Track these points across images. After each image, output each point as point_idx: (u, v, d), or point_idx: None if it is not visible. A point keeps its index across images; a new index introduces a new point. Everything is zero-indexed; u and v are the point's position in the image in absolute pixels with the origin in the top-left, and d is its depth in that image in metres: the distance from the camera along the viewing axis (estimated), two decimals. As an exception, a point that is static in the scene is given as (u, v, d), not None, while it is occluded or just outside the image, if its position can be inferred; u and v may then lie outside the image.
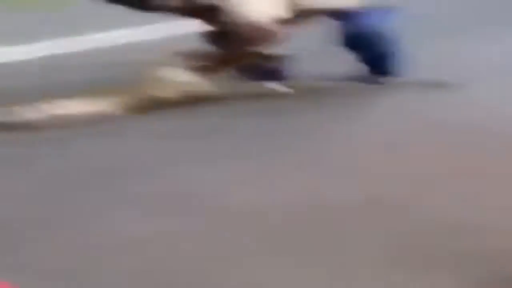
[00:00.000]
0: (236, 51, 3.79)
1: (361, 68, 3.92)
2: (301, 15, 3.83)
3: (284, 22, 3.75)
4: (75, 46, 4.88)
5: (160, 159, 3.01)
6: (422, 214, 2.41)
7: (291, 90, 3.83)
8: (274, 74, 3.96)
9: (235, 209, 2.49)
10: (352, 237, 2.26)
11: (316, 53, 4.09)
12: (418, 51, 3.87)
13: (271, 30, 3.70)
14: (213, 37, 3.85)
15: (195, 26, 3.88)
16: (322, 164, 2.91)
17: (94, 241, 2.28)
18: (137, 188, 2.69)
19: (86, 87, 3.77)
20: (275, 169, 2.85)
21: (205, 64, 3.75)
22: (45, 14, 5.58)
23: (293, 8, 3.77)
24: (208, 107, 3.63)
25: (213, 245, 2.23)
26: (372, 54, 3.86)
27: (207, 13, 3.74)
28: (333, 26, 3.90)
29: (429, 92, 3.77)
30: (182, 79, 3.69)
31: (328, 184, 2.69)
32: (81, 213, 2.49)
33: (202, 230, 2.35)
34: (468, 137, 3.13)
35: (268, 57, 3.89)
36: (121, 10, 3.77)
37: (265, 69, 3.94)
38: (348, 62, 3.91)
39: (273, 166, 2.88)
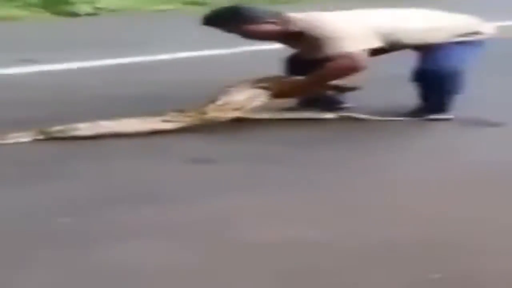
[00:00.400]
0: (321, 80, 3.73)
1: (419, 104, 3.81)
2: (388, 48, 3.76)
3: (372, 53, 3.68)
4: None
5: (188, 185, 2.87)
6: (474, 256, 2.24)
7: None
8: (332, 104, 3.93)
9: (261, 242, 2.33)
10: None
11: (382, 84, 4.03)
12: (480, 87, 3.80)
13: (362, 63, 3.61)
14: (299, 64, 3.84)
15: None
16: (354, 199, 2.74)
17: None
18: (156, 215, 2.55)
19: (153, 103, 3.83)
20: (304, 203, 2.69)
21: (277, 89, 3.69)
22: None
23: (383, 40, 3.68)
24: (260, 131, 3.58)
25: (224, 279, 2.10)
26: (435, 91, 3.74)
27: (302, 40, 3.71)
28: (412, 59, 3.81)
29: (475, 131, 3.66)
30: (246, 102, 3.64)
31: (361, 222, 2.52)
32: (95, 237, 2.37)
33: (214, 262, 2.21)
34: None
35: (340, 89, 3.83)
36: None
37: (325, 98, 3.91)
38: (410, 96, 3.79)
39: (302, 200, 2.71)
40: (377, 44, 3.67)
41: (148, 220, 2.51)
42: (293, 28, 3.70)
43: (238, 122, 3.64)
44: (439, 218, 2.56)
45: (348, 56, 3.61)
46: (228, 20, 3.70)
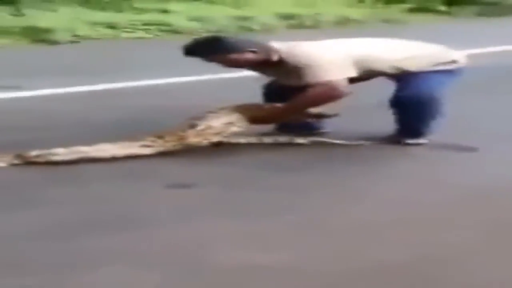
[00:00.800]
0: (299, 108, 3.71)
1: (395, 129, 3.80)
2: (366, 76, 3.75)
3: (351, 81, 3.66)
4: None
5: (164, 210, 2.82)
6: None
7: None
8: (309, 129, 3.91)
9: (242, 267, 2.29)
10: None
11: (361, 111, 4.02)
12: (457, 111, 3.81)
13: (341, 90, 3.60)
14: (277, 91, 3.82)
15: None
16: (328, 224, 2.70)
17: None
18: (132, 241, 2.50)
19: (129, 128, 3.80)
20: (279, 227, 2.65)
21: (255, 116, 3.68)
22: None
23: (361, 69, 3.67)
24: (238, 155, 3.55)
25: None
26: (410, 117, 3.73)
27: (282, 69, 3.69)
28: (389, 85, 3.81)
29: (448, 155, 3.64)
30: (225, 127, 3.62)
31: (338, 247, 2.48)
32: (69, 264, 2.31)
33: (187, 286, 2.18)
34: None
35: (318, 116, 3.81)
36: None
37: (303, 123, 3.88)
38: (385, 122, 3.78)
39: (277, 224, 2.67)
40: (355, 72, 3.67)
41: (122, 246, 2.46)
42: (273, 57, 3.69)
43: (217, 147, 3.61)
44: (412, 242, 2.54)
45: (327, 84, 3.60)
46: (209, 50, 3.69)
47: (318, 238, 2.56)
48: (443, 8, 12.29)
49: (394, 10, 11.92)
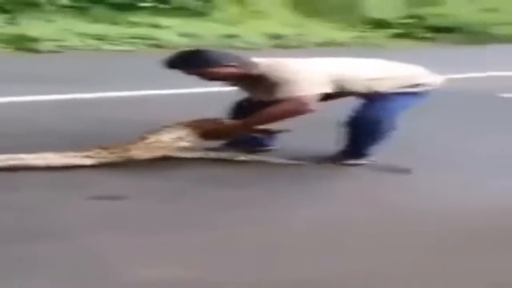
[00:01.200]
0: (263, 121, 3.60)
1: (340, 149, 3.72)
2: (338, 94, 3.67)
3: (321, 99, 3.59)
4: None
5: (83, 221, 2.73)
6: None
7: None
8: (256, 145, 3.84)
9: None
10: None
11: (314, 128, 3.91)
12: (407, 136, 3.76)
13: (310, 106, 3.52)
14: (247, 108, 3.73)
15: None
16: (250, 240, 2.63)
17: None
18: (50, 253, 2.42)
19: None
20: (197, 242, 2.58)
21: (207, 130, 3.58)
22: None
23: (336, 86, 3.60)
24: (178, 169, 3.47)
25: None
26: (359, 138, 3.66)
27: (260, 83, 3.62)
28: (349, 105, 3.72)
29: (384, 177, 3.57)
30: (173, 141, 3.51)
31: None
32: None
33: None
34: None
35: (268, 132, 3.73)
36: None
37: (251, 139, 3.79)
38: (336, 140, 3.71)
39: (196, 239, 2.60)
40: (328, 89, 3.61)
41: (34, 256, 2.39)
42: (253, 71, 3.64)
43: (160, 161, 3.52)
44: (326, 261, 2.48)
45: (297, 99, 3.53)
46: (190, 63, 3.63)
47: (232, 254, 2.50)
48: (427, 35, 12.20)
49: (380, 35, 11.86)
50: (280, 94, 3.55)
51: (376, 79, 3.69)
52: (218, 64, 3.60)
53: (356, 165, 3.69)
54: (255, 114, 3.60)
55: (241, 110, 3.83)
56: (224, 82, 3.89)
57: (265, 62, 3.68)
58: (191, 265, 2.37)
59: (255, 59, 3.70)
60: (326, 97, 3.64)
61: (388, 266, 2.46)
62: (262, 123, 3.65)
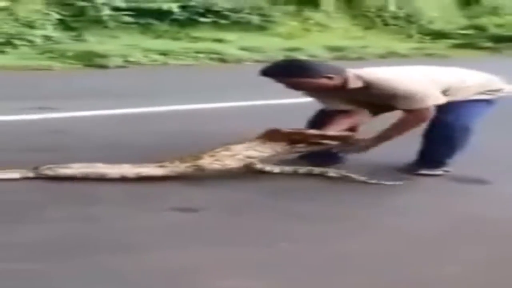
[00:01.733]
0: (394, 135, 3.44)
1: (415, 159, 3.57)
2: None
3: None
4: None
5: (159, 234, 2.66)
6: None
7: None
8: (330, 159, 3.65)
9: None
10: None
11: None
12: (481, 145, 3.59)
13: (429, 117, 3.40)
14: (325, 119, 3.57)
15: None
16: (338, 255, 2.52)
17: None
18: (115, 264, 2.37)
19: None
20: (273, 255, 2.51)
21: (291, 144, 3.45)
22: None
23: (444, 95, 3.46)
24: (252, 181, 3.34)
25: None
26: (439, 148, 3.50)
27: (364, 95, 3.46)
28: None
29: (459, 187, 3.40)
30: (246, 155, 3.38)
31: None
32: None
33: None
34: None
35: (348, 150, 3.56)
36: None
37: (325, 152, 3.60)
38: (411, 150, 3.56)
39: (271, 251, 2.53)
40: (442, 99, 3.45)
41: (112, 268, 2.35)
42: (353, 83, 3.45)
43: (230, 172, 3.40)
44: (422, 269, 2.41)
45: (420, 112, 3.41)
46: (286, 72, 3.47)
47: (306, 268, 2.42)
48: (489, 44, 11.78)
49: (440, 46, 11.54)
50: (400, 106, 3.41)
51: (465, 87, 3.53)
52: (314, 74, 3.42)
53: (432, 176, 3.52)
54: (385, 128, 3.45)
55: (318, 122, 3.63)
56: (313, 93, 3.66)
57: (365, 74, 3.48)
58: (265, 278, 2.31)
59: (356, 71, 3.51)
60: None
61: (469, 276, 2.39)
62: (392, 138, 3.48)
